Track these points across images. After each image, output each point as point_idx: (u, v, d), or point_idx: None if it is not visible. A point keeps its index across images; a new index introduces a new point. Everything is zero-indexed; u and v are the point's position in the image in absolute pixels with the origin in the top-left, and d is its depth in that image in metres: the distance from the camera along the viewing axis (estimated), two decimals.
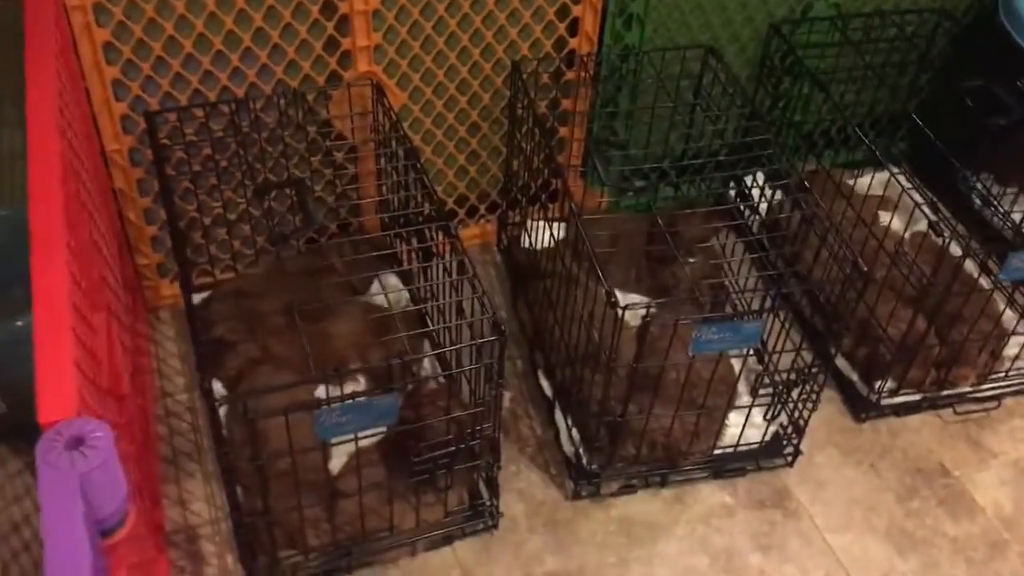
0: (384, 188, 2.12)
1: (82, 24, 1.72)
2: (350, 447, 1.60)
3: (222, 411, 1.76)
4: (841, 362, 2.11)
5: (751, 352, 2.04)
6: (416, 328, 1.99)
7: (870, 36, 2.34)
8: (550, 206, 2.14)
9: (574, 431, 1.89)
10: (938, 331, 2.03)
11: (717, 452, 1.91)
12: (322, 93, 1.98)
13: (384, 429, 1.69)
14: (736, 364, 1.91)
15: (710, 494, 1.92)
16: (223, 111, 1.88)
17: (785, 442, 1.96)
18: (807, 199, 1.87)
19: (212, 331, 1.94)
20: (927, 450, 2.03)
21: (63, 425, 0.94)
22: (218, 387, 1.89)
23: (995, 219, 2.35)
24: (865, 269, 1.69)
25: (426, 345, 2.02)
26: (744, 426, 1.89)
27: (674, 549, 1.82)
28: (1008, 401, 2.13)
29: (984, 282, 2.06)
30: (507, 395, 2.02)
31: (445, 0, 1.96)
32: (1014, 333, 2.08)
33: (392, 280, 2.15)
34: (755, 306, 2.00)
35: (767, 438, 1.94)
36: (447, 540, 1.79)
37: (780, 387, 1.91)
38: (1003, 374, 2.11)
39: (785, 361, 1.89)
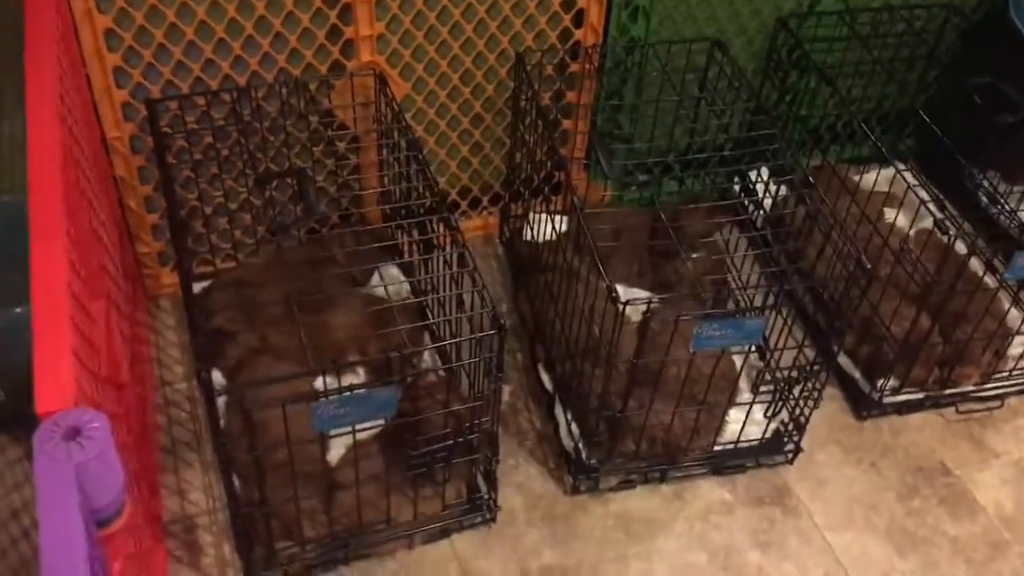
0: (386, 179, 2.11)
1: (83, 10, 1.71)
2: (349, 439, 1.59)
3: (221, 401, 1.75)
4: (843, 360, 2.10)
5: (753, 348, 2.03)
6: (416, 321, 1.98)
7: (878, 31, 2.33)
8: (553, 199, 2.13)
9: (574, 425, 1.89)
10: (942, 330, 2.02)
11: (717, 448, 1.90)
12: (324, 82, 1.97)
13: (382, 422, 1.69)
14: (737, 360, 1.90)
15: (709, 491, 1.91)
16: (225, 100, 1.87)
17: (786, 439, 1.95)
18: (811, 195, 1.86)
19: (212, 321, 1.93)
20: (929, 449, 2.02)
21: (60, 415, 0.93)
22: (217, 377, 1.88)
23: (1001, 217, 2.33)
24: (869, 266, 1.68)
25: (426, 337, 2.02)
26: (745, 423, 1.88)
27: (672, 545, 1.82)
28: (1012, 401, 2.12)
29: (989, 281, 2.05)
30: (506, 389, 2.02)
31: None
32: (1018, 332, 2.07)
33: (393, 272, 2.14)
34: (757, 303, 1.99)
35: (768, 435, 1.93)
36: (445, 533, 1.78)
37: (781, 384, 1.90)
38: (1007, 373, 2.10)
39: (787, 358, 1.88)
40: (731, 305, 2.10)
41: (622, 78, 2.20)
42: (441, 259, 1.81)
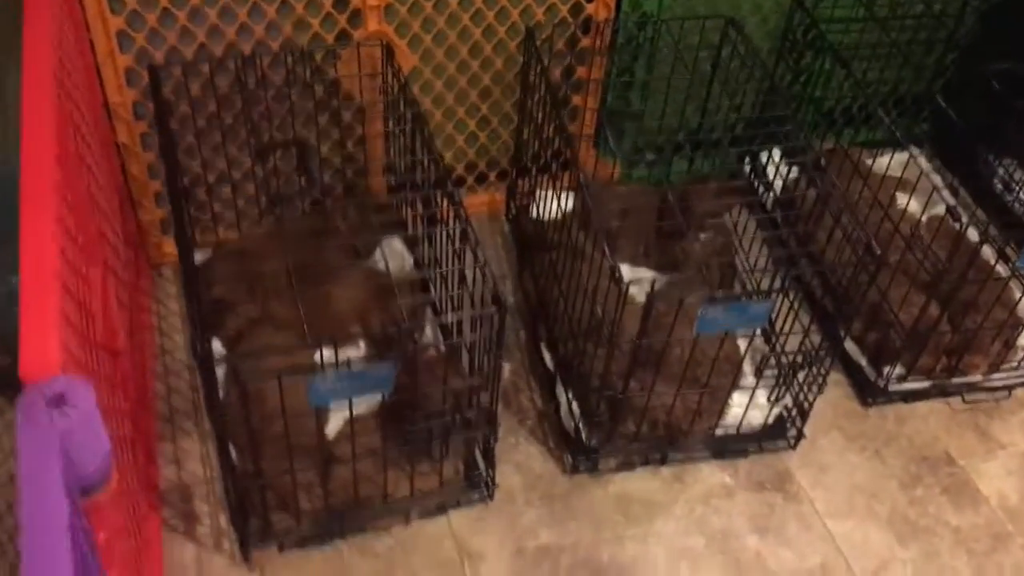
0: (391, 151, 2.08)
1: None
2: (347, 412, 1.58)
3: (220, 371, 1.74)
4: (850, 346, 2.08)
5: (758, 332, 2.00)
6: (419, 295, 1.96)
7: (896, 12, 2.28)
8: (561, 176, 2.10)
9: (575, 405, 1.87)
10: (951, 318, 1.99)
11: (719, 432, 1.88)
12: (330, 52, 1.94)
13: (380, 397, 1.68)
14: (742, 343, 1.88)
15: (710, 474, 1.89)
16: (229, 68, 1.84)
17: (789, 425, 1.93)
18: (823, 177, 1.82)
19: (212, 290, 1.92)
20: (933, 438, 2.00)
21: (45, 382, 0.92)
22: (217, 347, 1.88)
23: (1016, 205, 2.30)
24: (879, 252, 1.65)
25: (428, 313, 2.00)
26: (748, 407, 1.86)
27: (671, 528, 1.80)
28: (1019, 391, 2.09)
29: (1001, 269, 2.01)
30: (507, 367, 2.00)
31: None
32: None
33: (397, 245, 2.12)
34: (764, 286, 1.97)
35: (770, 420, 1.91)
36: (441, 510, 1.78)
37: (786, 369, 1.88)
38: (1016, 364, 2.07)
39: (793, 343, 1.85)
40: (738, 288, 2.07)
41: (633, 54, 2.17)
42: (444, 234, 1.79)
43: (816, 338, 1.84)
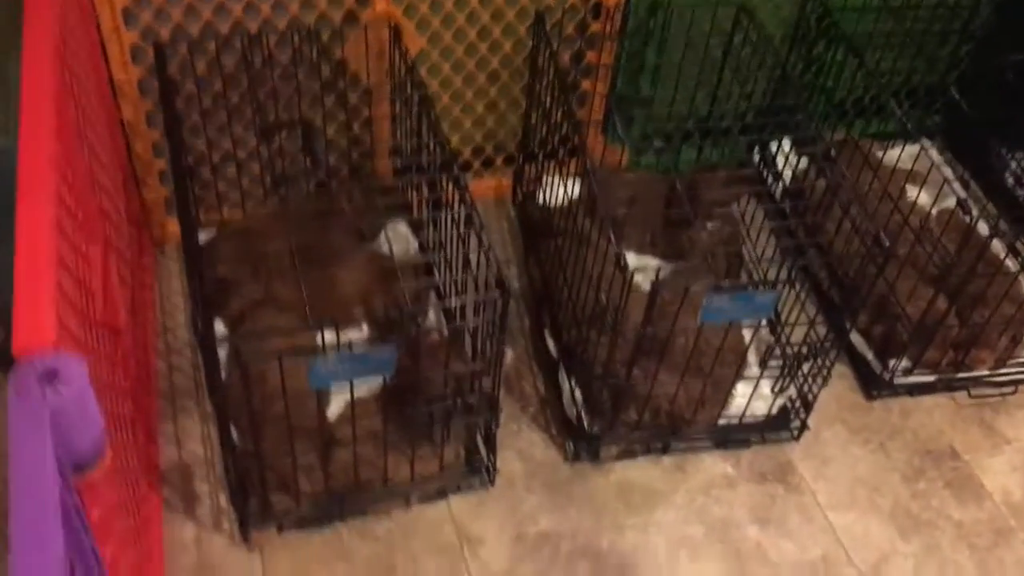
0: (398, 134, 2.07)
1: None
2: (348, 394, 1.57)
3: (223, 352, 1.74)
4: (856, 338, 2.06)
5: (764, 322, 1.99)
6: (422, 278, 1.95)
7: (911, 2, 2.25)
8: (568, 162, 2.08)
9: (577, 393, 1.86)
10: (959, 312, 1.97)
11: (722, 422, 1.87)
12: (338, 32, 1.93)
13: (381, 380, 1.67)
14: (747, 333, 1.86)
15: (712, 464, 1.88)
16: (235, 46, 1.83)
17: (792, 416, 1.92)
18: (832, 168, 1.81)
19: (216, 270, 1.91)
20: (938, 432, 1.99)
21: (38, 358, 0.91)
22: (220, 327, 1.87)
23: None
24: (887, 244, 1.63)
25: (432, 296, 1.99)
26: (751, 397, 1.84)
27: (671, 517, 1.79)
28: None
29: (1011, 264, 1.99)
30: (509, 352, 1.99)
31: None
32: None
33: (401, 228, 2.11)
34: (771, 276, 1.95)
35: (774, 411, 1.90)
36: (442, 494, 1.77)
37: (791, 360, 1.86)
38: (1023, 359, 2.05)
39: (798, 334, 1.84)
40: (744, 277, 2.05)
41: (644, 40, 2.15)
42: (449, 217, 1.78)
43: (822, 329, 1.83)
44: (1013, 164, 2.30)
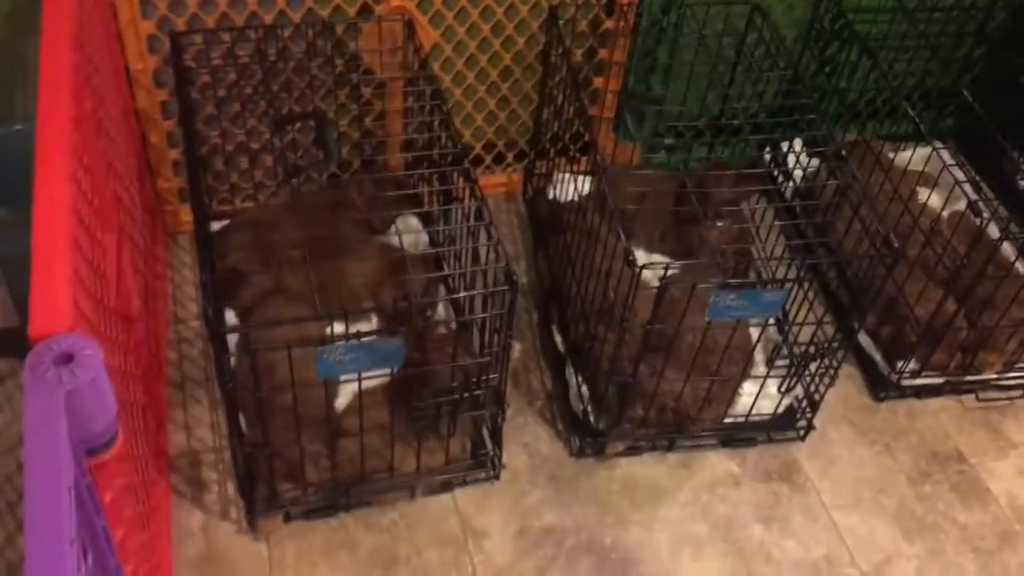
0: (410, 127, 2.08)
1: None
2: (356, 385, 1.58)
3: (232, 341, 1.75)
4: (864, 339, 2.06)
5: (771, 321, 1.99)
6: (432, 271, 1.96)
7: (925, 4, 2.25)
8: (579, 159, 2.09)
9: (584, 388, 1.87)
10: (967, 314, 1.97)
11: (728, 420, 1.88)
12: (352, 26, 1.94)
13: (389, 371, 1.68)
14: (755, 332, 1.87)
15: (717, 462, 1.89)
16: (250, 37, 1.84)
17: (799, 416, 1.92)
18: (843, 168, 1.81)
19: (227, 260, 1.93)
20: (944, 435, 1.99)
21: (54, 340, 0.93)
22: (231, 316, 1.88)
23: None
24: (897, 245, 1.64)
25: (441, 290, 2.00)
26: (758, 396, 1.85)
27: (675, 514, 1.80)
28: None
29: (1021, 267, 1.99)
30: (517, 346, 2.00)
31: None
32: None
33: (412, 221, 2.12)
34: (780, 275, 1.95)
35: (780, 410, 1.90)
36: (447, 487, 1.78)
37: (798, 359, 1.87)
38: None
39: (806, 333, 1.84)
40: (753, 276, 2.06)
41: (657, 38, 2.15)
42: (460, 212, 1.78)
43: (829, 329, 1.83)
44: None
